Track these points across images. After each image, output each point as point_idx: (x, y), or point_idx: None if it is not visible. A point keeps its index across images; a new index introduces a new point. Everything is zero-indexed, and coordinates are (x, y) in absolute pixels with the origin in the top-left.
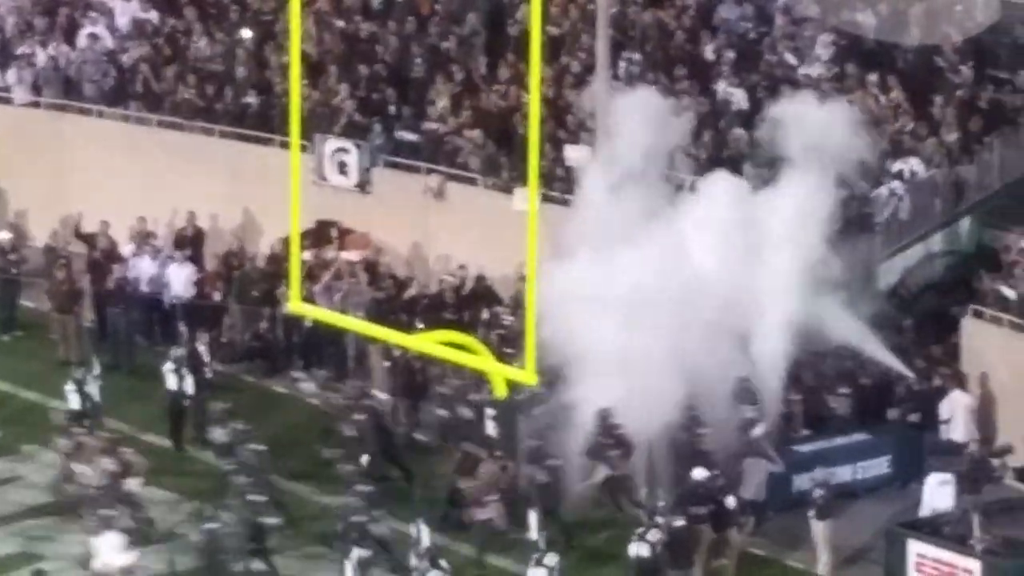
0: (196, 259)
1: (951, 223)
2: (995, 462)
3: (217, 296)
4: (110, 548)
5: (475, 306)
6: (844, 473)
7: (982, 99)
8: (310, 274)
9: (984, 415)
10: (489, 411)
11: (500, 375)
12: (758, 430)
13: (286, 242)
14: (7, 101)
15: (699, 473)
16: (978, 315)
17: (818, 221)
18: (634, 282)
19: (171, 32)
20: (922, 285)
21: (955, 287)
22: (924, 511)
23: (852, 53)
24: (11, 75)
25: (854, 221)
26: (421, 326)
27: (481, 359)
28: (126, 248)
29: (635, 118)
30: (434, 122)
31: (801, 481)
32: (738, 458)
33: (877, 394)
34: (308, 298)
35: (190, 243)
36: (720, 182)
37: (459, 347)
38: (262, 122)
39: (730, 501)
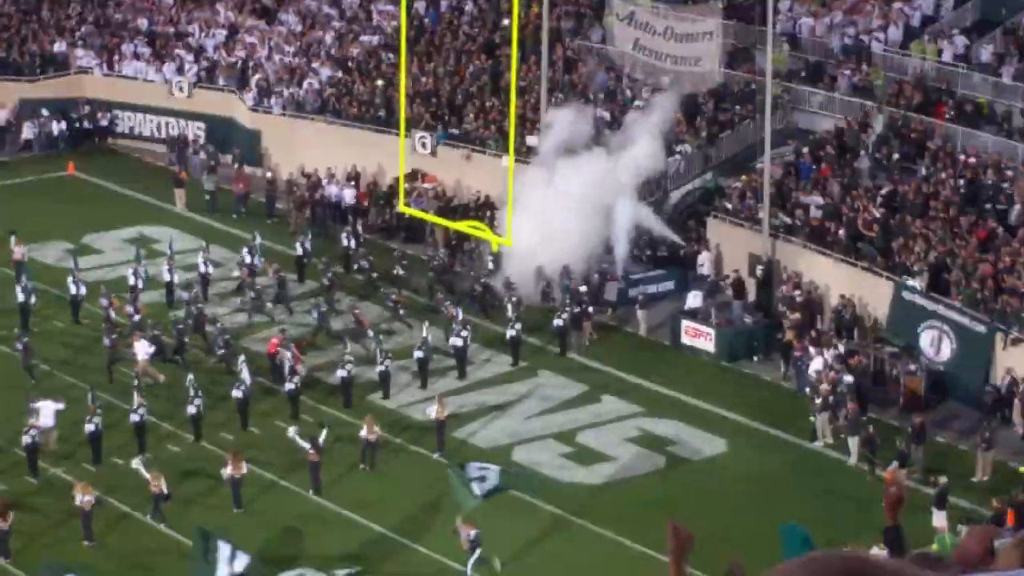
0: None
1: (702, 175)
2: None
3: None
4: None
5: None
6: (651, 288)
7: None
8: (409, 192)
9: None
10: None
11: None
12: (614, 267)
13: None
14: None
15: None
16: (716, 217)
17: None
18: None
19: None
20: (688, 202)
21: (703, 203)
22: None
23: None
24: None
25: (657, 182)
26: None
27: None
28: None
29: None
30: None
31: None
32: (603, 277)
33: (671, 253)
34: (407, 204)
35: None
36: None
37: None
38: None
39: (608, 295)
